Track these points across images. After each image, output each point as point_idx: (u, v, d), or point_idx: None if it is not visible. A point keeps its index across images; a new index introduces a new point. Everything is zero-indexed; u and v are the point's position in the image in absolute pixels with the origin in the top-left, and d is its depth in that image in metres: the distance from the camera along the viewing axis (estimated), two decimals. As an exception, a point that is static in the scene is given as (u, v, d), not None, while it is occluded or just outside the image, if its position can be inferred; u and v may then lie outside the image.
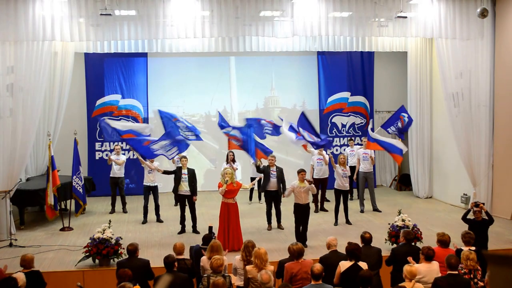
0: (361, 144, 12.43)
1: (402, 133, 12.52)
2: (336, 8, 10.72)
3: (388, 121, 12.50)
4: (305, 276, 6.14)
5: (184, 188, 9.95)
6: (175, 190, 10.12)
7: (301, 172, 9.26)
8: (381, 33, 11.14)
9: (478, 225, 7.92)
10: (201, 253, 6.94)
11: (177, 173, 10.06)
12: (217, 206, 9.69)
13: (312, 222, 9.44)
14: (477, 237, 7.19)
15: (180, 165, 10.16)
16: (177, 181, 10.01)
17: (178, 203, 10.38)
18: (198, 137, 9.69)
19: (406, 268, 5.90)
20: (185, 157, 10.20)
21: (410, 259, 6.44)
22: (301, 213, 9.20)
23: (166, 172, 10.41)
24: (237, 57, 14.10)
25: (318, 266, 5.79)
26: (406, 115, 12.31)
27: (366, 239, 6.93)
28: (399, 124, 12.18)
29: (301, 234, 9.20)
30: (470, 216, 8.18)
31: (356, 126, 14.75)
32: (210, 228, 7.88)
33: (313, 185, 9.33)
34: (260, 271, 5.81)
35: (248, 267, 6.13)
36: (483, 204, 8.29)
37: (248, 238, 7.23)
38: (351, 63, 14.65)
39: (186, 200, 10.04)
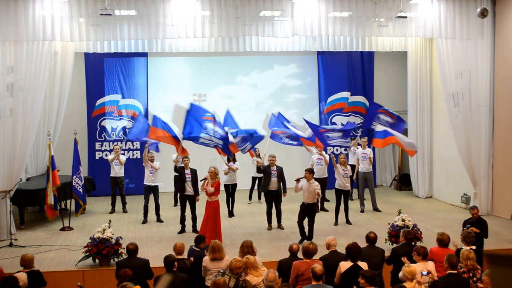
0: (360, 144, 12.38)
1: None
2: (336, 8, 10.73)
3: (367, 121, 11.20)
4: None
5: (188, 188, 9.95)
6: (181, 190, 10.05)
7: (305, 171, 9.40)
8: (381, 33, 11.14)
9: (474, 225, 7.94)
10: (196, 255, 6.91)
11: (181, 173, 10.04)
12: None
13: (312, 222, 9.48)
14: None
15: (183, 165, 10.15)
16: (182, 181, 9.99)
17: (179, 203, 10.35)
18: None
19: (405, 268, 5.91)
20: (187, 157, 10.17)
21: (404, 259, 6.43)
22: (308, 212, 9.28)
23: (176, 169, 10.22)
24: (237, 57, 14.10)
25: (319, 267, 5.79)
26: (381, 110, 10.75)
27: (371, 238, 6.93)
28: (388, 119, 10.64)
29: (308, 231, 9.30)
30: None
31: (356, 125, 14.73)
32: None
33: (317, 190, 9.27)
34: (268, 270, 5.80)
35: (248, 278, 6.10)
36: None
37: (248, 238, 7.20)
38: (351, 63, 14.64)
39: (188, 200, 10.04)
